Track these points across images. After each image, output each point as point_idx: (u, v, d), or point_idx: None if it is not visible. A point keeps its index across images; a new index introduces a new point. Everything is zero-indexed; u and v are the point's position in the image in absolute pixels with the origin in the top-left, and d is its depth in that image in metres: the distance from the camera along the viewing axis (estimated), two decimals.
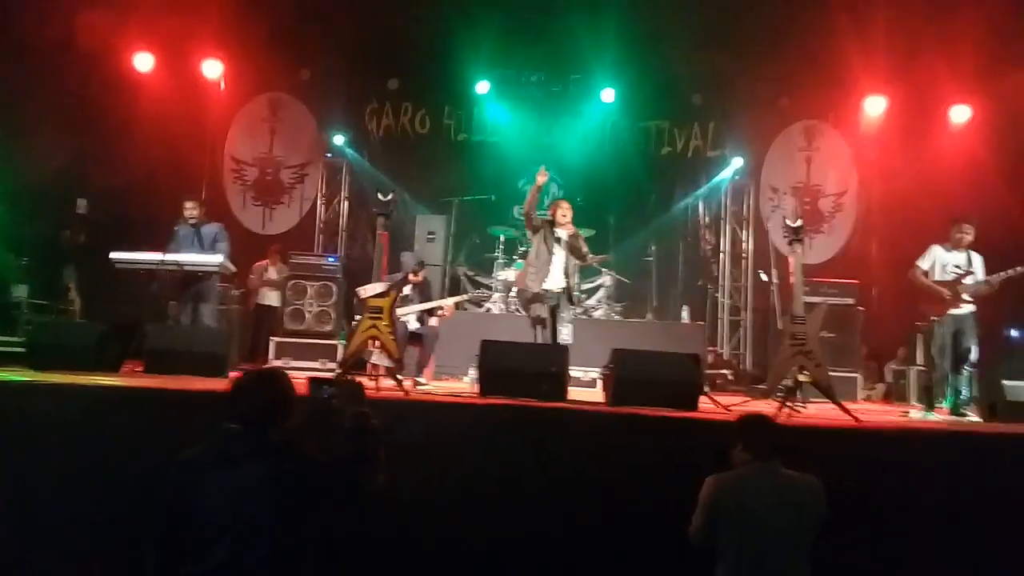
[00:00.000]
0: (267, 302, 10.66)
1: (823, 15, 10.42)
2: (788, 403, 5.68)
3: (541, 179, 7.32)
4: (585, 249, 7.55)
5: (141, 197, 10.86)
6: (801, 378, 5.69)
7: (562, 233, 7.37)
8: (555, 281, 7.32)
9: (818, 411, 6.24)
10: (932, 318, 7.36)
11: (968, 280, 7.29)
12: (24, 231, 10.24)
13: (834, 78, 11.49)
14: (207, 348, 6.83)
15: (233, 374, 7.76)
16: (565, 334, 7.27)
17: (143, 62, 11.84)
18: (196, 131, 12.17)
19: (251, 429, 3.11)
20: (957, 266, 7.39)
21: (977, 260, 7.43)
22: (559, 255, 7.36)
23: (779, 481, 3.64)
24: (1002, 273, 7.13)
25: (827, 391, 5.75)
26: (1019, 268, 7.04)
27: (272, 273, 10.74)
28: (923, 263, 7.50)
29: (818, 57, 11.08)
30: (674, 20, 11.13)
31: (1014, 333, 11.20)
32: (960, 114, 11.48)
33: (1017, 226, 9.08)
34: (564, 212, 7.43)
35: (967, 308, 7.33)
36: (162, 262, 7.33)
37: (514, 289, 9.05)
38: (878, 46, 10.70)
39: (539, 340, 7.15)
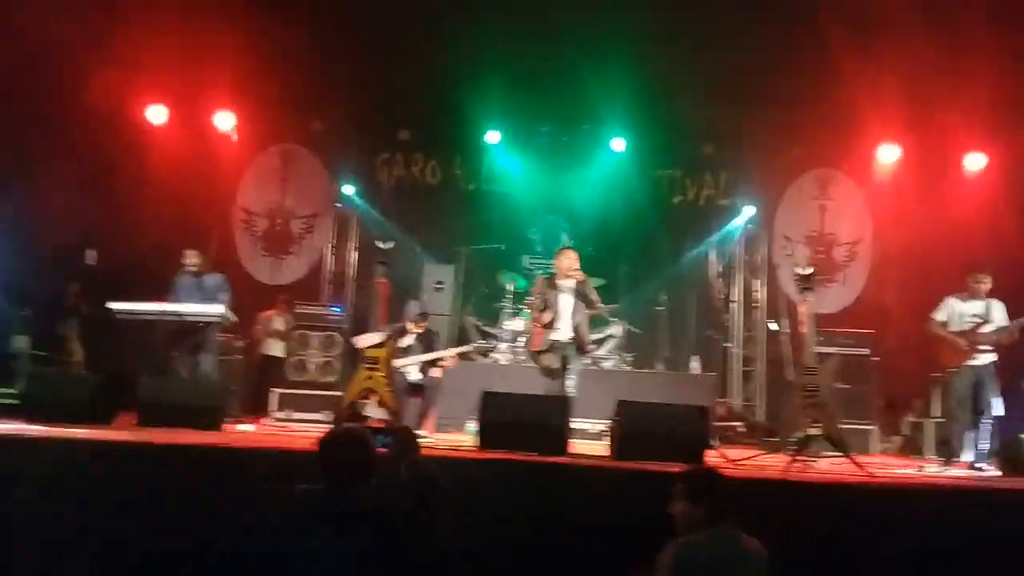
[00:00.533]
0: (272, 352, 10.56)
1: (835, 64, 10.33)
2: (799, 457, 5.45)
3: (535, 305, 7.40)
4: (594, 296, 7.44)
5: (151, 248, 10.84)
6: (812, 431, 5.48)
7: (566, 283, 7.26)
8: (563, 332, 7.21)
9: (831, 465, 6.01)
10: (950, 369, 7.12)
11: (985, 328, 7.08)
12: (28, 282, 10.21)
13: (847, 127, 11.40)
14: (202, 400, 6.71)
15: (232, 426, 7.75)
16: (570, 385, 7.13)
17: (156, 114, 11.92)
18: (208, 182, 12.17)
19: (342, 491, 2.94)
20: (975, 315, 7.21)
21: (998, 308, 7.23)
22: (566, 305, 7.25)
23: (738, 550, 3.33)
24: (1021, 319, 6.91)
25: (839, 444, 5.53)
26: None
27: (278, 323, 10.66)
28: (939, 315, 7.32)
29: (831, 106, 10.99)
30: (684, 70, 11.07)
31: None
32: (975, 162, 11.34)
33: None
34: (569, 261, 7.33)
35: (986, 358, 7.11)
36: (162, 312, 7.24)
37: (522, 339, 8.91)
38: (891, 95, 10.59)
39: (549, 392, 7.02)
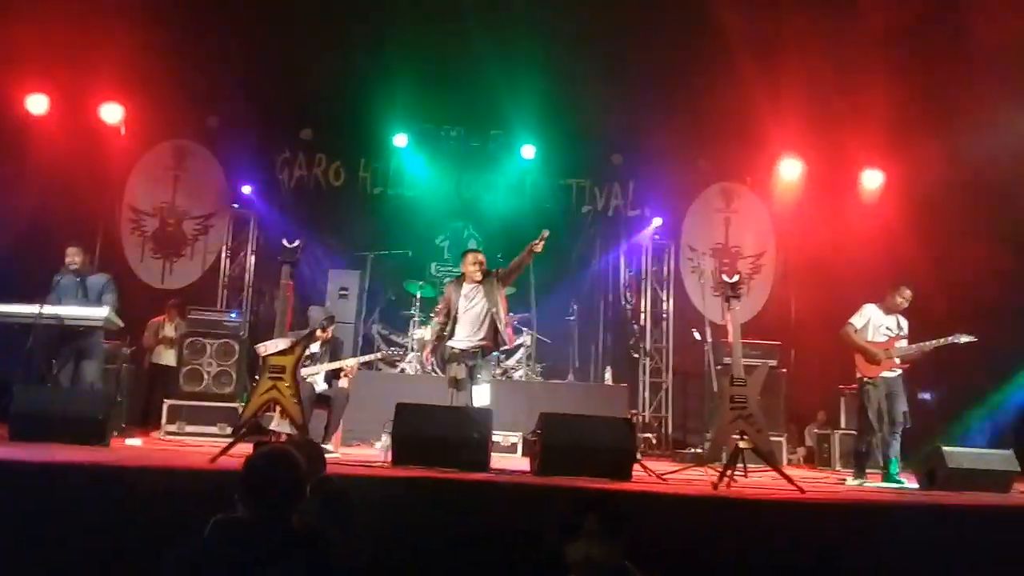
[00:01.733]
0: (162, 361, 9.93)
1: (740, 78, 10.43)
2: (728, 471, 5.30)
3: (538, 247, 6.84)
4: (502, 283, 7.10)
5: (30, 247, 10.01)
6: (742, 444, 5.34)
7: (472, 286, 6.98)
8: (468, 339, 6.88)
9: (758, 480, 5.91)
10: (865, 380, 7.17)
11: (901, 344, 7.18)
12: None
13: (751, 140, 11.57)
14: (85, 412, 6.06)
15: (120, 441, 7.13)
16: (482, 396, 6.74)
17: (36, 104, 11.04)
18: (93, 178, 11.35)
19: (273, 517, 2.64)
20: (889, 328, 7.31)
21: (905, 324, 7.38)
22: (473, 309, 6.93)
23: None
24: (940, 340, 7.03)
25: (768, 458, 5.42)
26: (949, 338, 6.97)
27: (168, 330, 10.02)
28: (857, 321, 7.38)
29: (735, 119, 11.09)
30: (594, 79, 11.02)
31: (926, 396, 11.25)
32: (872, 179, 11.65)
33: (928, 292, 9.08)
34: (469, 265, 7.05)
35: (897, 371, 7.22)
36: (39, 315, 6.57)
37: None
38: (793, 109, 10.77)
39: (454, 403, 6.65)
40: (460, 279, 7.14)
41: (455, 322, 6.91)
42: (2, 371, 8.66)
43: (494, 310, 6.87)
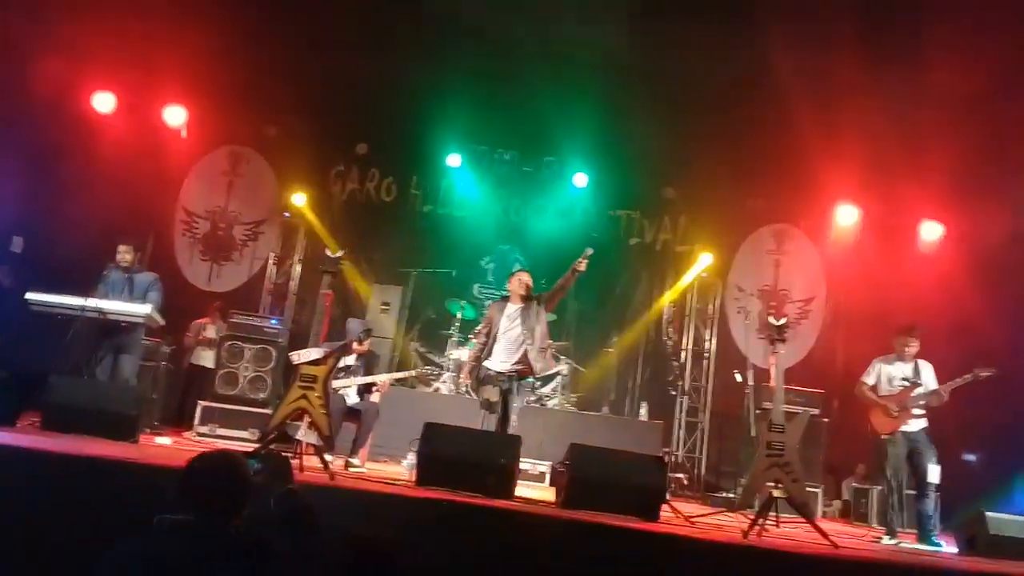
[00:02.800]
0: (201, 362, 10.00)
1: (798, 122, 10.29)
2: (759, 520, 5.12)
3: (582, 265, 6.72)
4: (544, 307, 6.96)
5: (85, 241, 10.20)
6: (776, 493, 5.16)
7: (515, 308, 6.87)
8: (505, 362, 6.74)
9: (791, 531, 5.70)
10: (883, 436, 6.92)
11: (918, 391, 6.91)
12: None
13: (807, 184, 11.35)
14: (117, 408, 6.10)
15: (150, 439, 7.16)
16: (512, 422, 6.62)
17: (103, 102, 11.33)
18: (151, 178, 11.61)
19: (212, 522, 2.62)
20: (904, 378, 7.06)
21: (927, 369, 7.13)
22: (512, 332, 6.80)
23: None
24: (952, 382, 6.79)
25: (802, 509, 5.22)
26: (967, 376, 6.72)
27: (211, 332, 10.12)
28: (868, 378, 7.22)
29: (792, 162, 10.92)
30: (650, 112, 10.95)
31: (971, 457, 10.88)
32: (931, 231, 11.35)
33: (990, 348, 8.79)
34: (516, 285, 6.96)
35: (917, 424, 6.99)
36: (82, 307, 6.65)
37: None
38: (852, 157, 10.58)
39: (484, 426, 6.55)
40: (505, 299, 7.05)
41: (494, 341, 6.81)
42: (41, 361, 8.87)
43: (528, 340, 6.72)
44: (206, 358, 9.99)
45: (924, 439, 6.98)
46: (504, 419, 6.62)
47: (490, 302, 7.33)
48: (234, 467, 2.79)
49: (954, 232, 11.22)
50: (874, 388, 7.12)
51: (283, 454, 3.19)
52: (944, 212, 11.23)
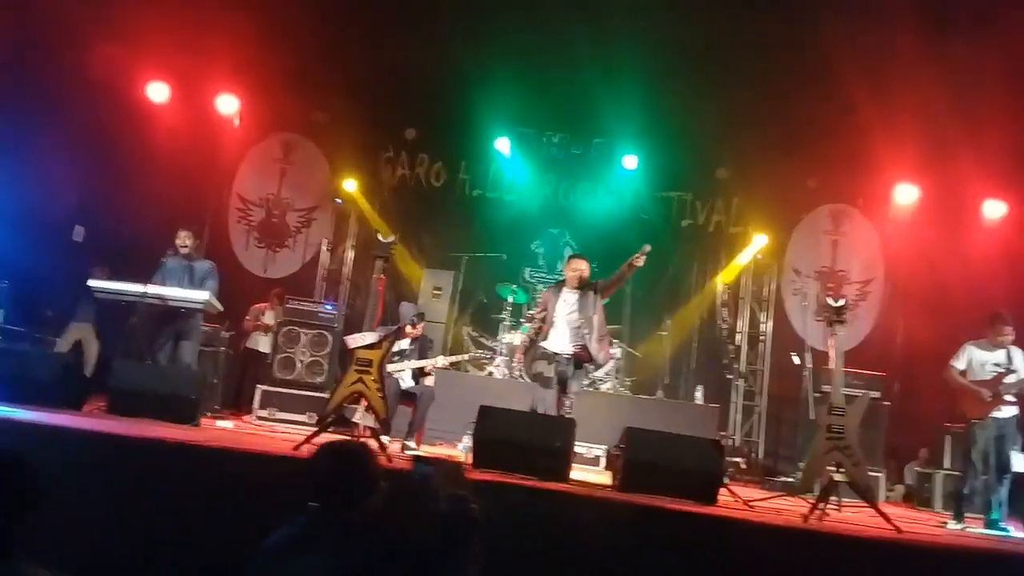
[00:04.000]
0: (258, 347, 10.12)
1: (854, 99, 10.05)
2: (821, 503, 5.03)
3: (640, 261, 6.64)
4: (600, 296, 6.88)
5: (143, 229, 10.40)
6: (837, 477, 5.06)
7: (571, 294, 6.79)
8: (561, 344, 6.68)
9: (853, 515, 5.59)
10: (973, 420, 6.75)
11: (1010, 379, 6.72)
12: (12, 254, 9.75)
13: (865, 163, 11.09)
14: (177, 391, 6.23)
15: (211, 422, 7.30)
16: (567, 406, 6.54)
17: (157, 92, 11.52)
18: (205, 166, 11.80)
19: (329, 509, 2.79)
20: (997, 364, 6.85)
21: (1018, 356, 6.90)
22: (571, 316, 6.73)
23: None
24: None
25: (865, 493, 5.12)
26: None
27: (268, 318, 10.23)
28: (958, 363, 6.98)
29: (850, 140, 10.69)
30: (702, 91, 10.79)
31: None
32: (994, 209, 11.01)
33: None
34: (572, 269, 6.90)
35: (1010, 411, 6.78)
36: (143, 294, 6.78)
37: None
38: (911, 135, 10.32)
39: (535, 402, 6.53)
40: (560, 284, 7.00)
41: (551, 326, 6.74)
42: (107, 347, 9.09)
43: (587, 329, 6.66)
44: (263, 343, 10.12)
45: (1013, 426, 6.82)
46: (560, 400, 6.56)
47: (543, 286, 7.23)
48: (346, 458, 2.92)
49: (1017, 210, 10.87)
50: (964, 373, 6.92)
51: (458, 460, 3.27)
52: (1007, 190, 10.88)
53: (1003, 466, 6.66)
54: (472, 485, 3.15)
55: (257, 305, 10.41)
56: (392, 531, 2.80)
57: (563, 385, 6.63)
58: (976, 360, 6.95)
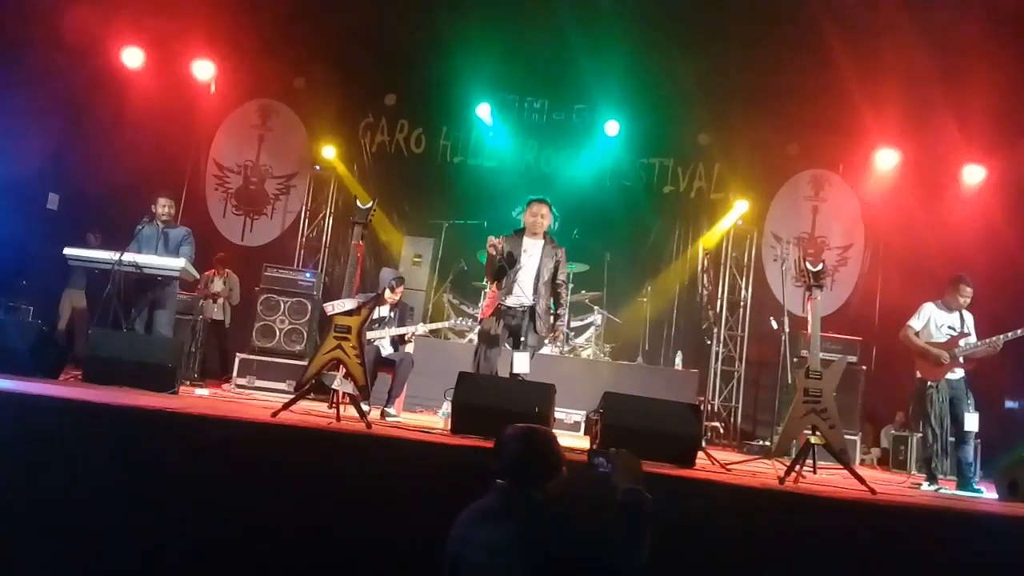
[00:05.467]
0: (212, 316, 10.05)
1: (836, 64, 10.01)
2: (796, 466, 5.08)
3: (490, 250, 6.34)
4: (563, 266, 6.52)
5: (119, 196, 10.30)
6: (813, 440, 5.11)
7: (533, 242, 6.46)
8: (518, 297, 6.36)
9: (828, 477, 5.65)
10: (928, 383, 6.83)
11: (964, 342, 6.80)
12: None
13: (846, 128, 11.09)
14: (156, 359, 6.18)
15: (197, 390, 7.26)
16: (522, 363, 6.21)
17: (132, 58, 11.33)
18: (182, 133, 11.70)
19: (513, 485, 3.07)
20: (951, 327, 6.95)
21: (969, 320, 7.03)
22: (528, 267, 6.39)
23: None
24: (1009, 333, 6.65)
25: (840, 455, 5.15)
26: (1020, 330, 6.58)
27: (216, 284, 10.12)
28: (915, 323, 7.07)
29: (829, 107, 10.70)
30: (683, 58, 10.73)
31: (1013, 405, 10.72)
32: (973, 174, 11.05)
33: None
34: (536, 215, 6.44)
35: (960, 372, 6.94)
36: (119, 262, 6.70)
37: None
38: (892, 99, 10.33)
39: (480, 361, 6.26)
40: (520, 232, 6.54)
41: (510, 278, 6.33)
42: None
43: (548, 282, 6.33)
44: (214, 310, 10.05)
45: (963, 387, 6.93)
46: (511, 359, 6.18)
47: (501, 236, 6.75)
48: (528, 440, 3.16)
49: (996, 175, 10.92)
50: (919, 334, 6.99)
51: (631, 455, 3.41)
52: (986, 155, 10.92)
53: (961, 428, 6.77)
54: (645, 477, 3.33)
55: (205, 272, 10.31)
56: (569, 514, 3.00)
57: (517, 342, 6.34)
58: (934, 321, 7.04)
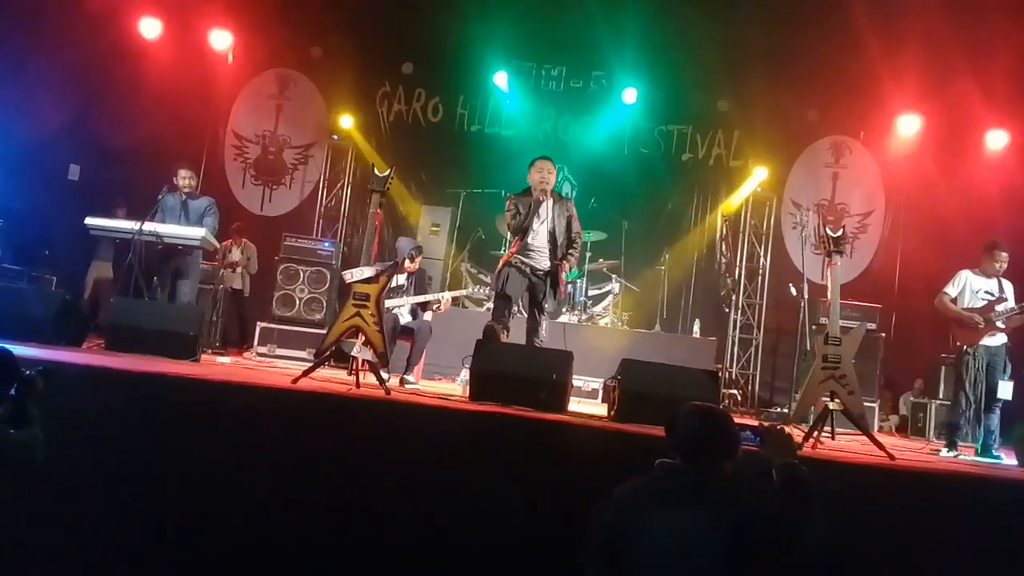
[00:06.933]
0: (233, 285, 10.13)
1: (856, 30, 9.88)
2: (814, 431, 5.10)
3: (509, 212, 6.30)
4: (577, 226, 6.46)
5: (139, 167, 10.37)
6: (832, 406, 5.11)
7: (544, 202, 6.33)
8: (536, 260, 6.38)
9: (847, 443, 5.66)
10: (964, 348, 6.79)
11: (1001, 307, 6.75)
12: (8, 193, 9.71)
13: (867, 94, 10.93)
14: (177, 328, 6.26)
15: (219, 359, 7.34)
16: (541, 333, 6.30)
17: (149, 28, 11.33)
18: (200, 103, 11.72)
19: (692, 467, 2.97)
20: (988, 292, 6.88)
21: (1009, 287, 6.96)
22: (541, 232, 6.34)
23: None
24: None
25: (859, 421, 5.16)
26: None
27: (235, 254, 10.16)
28: (951, 289, 6.99)
29: (850, 72, 10.56)
30: (702, 24, 10.63)
31: None
32: (997, 139, 10.89)
33: None
34: (541, 172, 6.30)
35: (1000, 339, 6.83)
36: (139, 232, 6.76)
37: None
38: (913, 64, 10.18)
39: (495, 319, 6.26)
40: (527, 192, 6.45)
41: (528, 236, 6.29)
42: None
43: (560, 236, 6.24)
44: (234, 280, 10.12)
45: (1002, 354, 6.88)
46: (531, 325, 6.27)
47: (509, 194, 6.65)
48: (709, 417, 3.07)
49: (1020, 140, 10.76)
50: (955, 300, 6.94)
51: (784, 430, 3.45)
52: (1010, 119, 10.75)
53: (991, 394, 6.72)
54: (797, 449, 3.30)
55: (224, 243, 10.38)
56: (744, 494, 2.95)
57: (533, 301, 6.37)
58: (970, 287, 6.97)
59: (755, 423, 3.36)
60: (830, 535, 3.03)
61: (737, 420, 3.45)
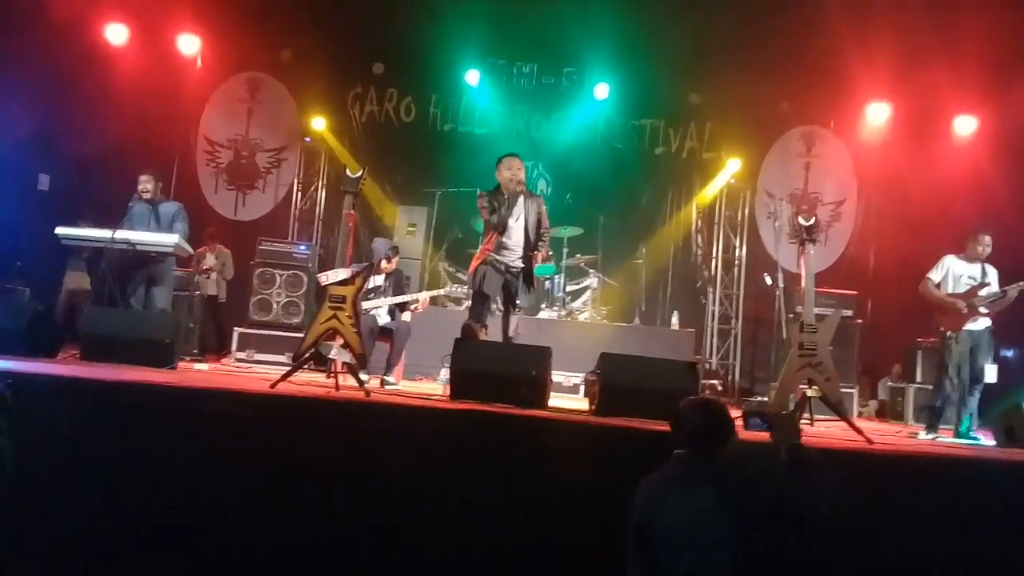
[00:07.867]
0: (207, 291, 10.06)
1: (825, 19, 9.94)
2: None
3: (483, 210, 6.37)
4: (546, 222, 6.53)
5: (109, 175, 10.24)
6: (810, 393, 5.15)
7: (517, 199, 6.38)
8: (510, 258, 6.40)
9: (826, 430, 5.70)
10: (948, 333, 6.86)
11: (984, 292, 6.82)
12: None
13: (837, 83, 11.02)
14: (151, 335, 6.20)
15: (189, 365, 7.27)
16: (512, 324, 6.36)
17: (116, 34, 11.21)
18: (170, 109, 11.57)
19: (699, 453, 3.28)
20: (971, 277, 6.95)
21: (992, 272, 7.02)
22: (515, 229, 6.36)
23: None
24: (1019, 284, 6.66)
25: (837, 408, 5.21)
26: None
27: (209, 260, 10.09)
28: (935, 275, 7.05)
29: (820, 62, 10.61)
30: (672, 17, 10.66)
31: (1008, 353, 10.78)
32: (965, 125, 11.02)
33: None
34: (511, 169, 6.36)
35: (983, 323, 6.90)
36: (111, 240, 6.69)
37: None
38: (882, 53, 10.25)
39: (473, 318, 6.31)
40: (498, 191, 6.46)
41: (502, 234, 6.32)
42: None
43: (533, 233, 6.30)
44: (208, 286, 10.05)
45: (986, 338, 6.94)
46: (506, 319, 6.32)
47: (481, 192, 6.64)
48: (706, 408, 3.41)
49: (988, 125, 10.88)
50: (939, 285, 7.01)
51: (787, 412, 3.64)
52: (978, 105, 10.87)
53: (976, 378, 6.80)
54: (801, 432, 3.56)
55: (198, 250, 10.29)
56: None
57: (512, 302, 6.41)
58: (953, 272, 7.04)
59: (764, 411, 3.61)
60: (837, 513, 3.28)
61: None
